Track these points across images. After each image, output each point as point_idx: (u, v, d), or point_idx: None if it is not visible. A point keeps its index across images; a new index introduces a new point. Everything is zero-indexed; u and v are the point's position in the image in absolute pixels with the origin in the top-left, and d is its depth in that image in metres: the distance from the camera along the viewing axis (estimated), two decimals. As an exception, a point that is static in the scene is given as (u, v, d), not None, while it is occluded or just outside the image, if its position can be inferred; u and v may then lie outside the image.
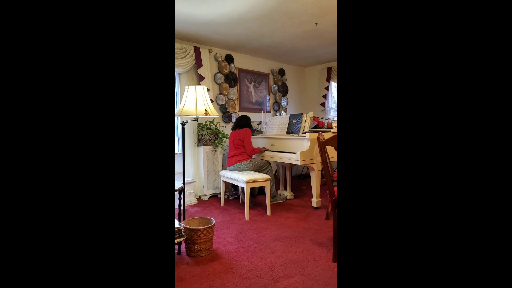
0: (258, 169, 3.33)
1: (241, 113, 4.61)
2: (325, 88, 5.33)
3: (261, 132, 4.23)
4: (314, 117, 4.20)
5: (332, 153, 3.25)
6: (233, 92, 4.60)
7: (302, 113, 3.46)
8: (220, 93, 4.43)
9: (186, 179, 3.57)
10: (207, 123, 3.94)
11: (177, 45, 3.75)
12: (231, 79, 4.55)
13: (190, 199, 3.63)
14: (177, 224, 2.03)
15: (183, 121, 2.64)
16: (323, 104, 5.41)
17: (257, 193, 3.92)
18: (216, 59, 4.36)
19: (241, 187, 3.18)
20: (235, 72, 4.62)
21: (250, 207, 3.35)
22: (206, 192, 3.85)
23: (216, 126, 3.98)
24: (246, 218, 2.95)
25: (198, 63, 3.96)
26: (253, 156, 3.62)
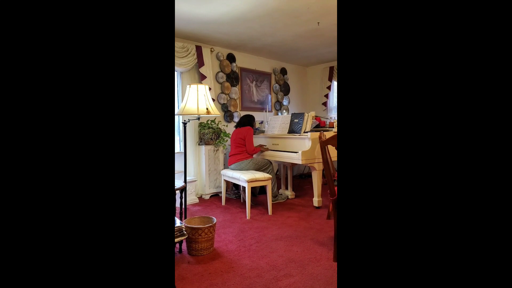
0: (259, 168, 3.33)
1: (243, 113, 4.61)
2: (327, 88, 5.32)
3: (263, 131, 4.22)
4: (316, 116, 4.19)
5: (334, 152, 3.25)
6: (235, 91, 4.59)
7: (304, 113, 3.45)
8: (222, 92, 4.43)
9: (187, 178, 3.57)
10: (209, 122, 3.94)
11: (179, 44, 3.75)
12: (232, 78, 4.54)
13: (191, 198, 3.64)
14: (178, 223, 2.03)
15: (184, 120, 2.64)
16: (325, 104, 5.41)
17: (258, 192, 3.92)
18: (217, 58, 4.36)
19: (243, 186, 3.18)
20: (237, 71, 4.62)
21: (251, 206, 3.35)
22: (208, 191, 3.85)
23: (217, 125, 3.98)
24: (247, 217, 2.96)
25: (200, 62, 3.96)
26: (254, 155, 3.62)
